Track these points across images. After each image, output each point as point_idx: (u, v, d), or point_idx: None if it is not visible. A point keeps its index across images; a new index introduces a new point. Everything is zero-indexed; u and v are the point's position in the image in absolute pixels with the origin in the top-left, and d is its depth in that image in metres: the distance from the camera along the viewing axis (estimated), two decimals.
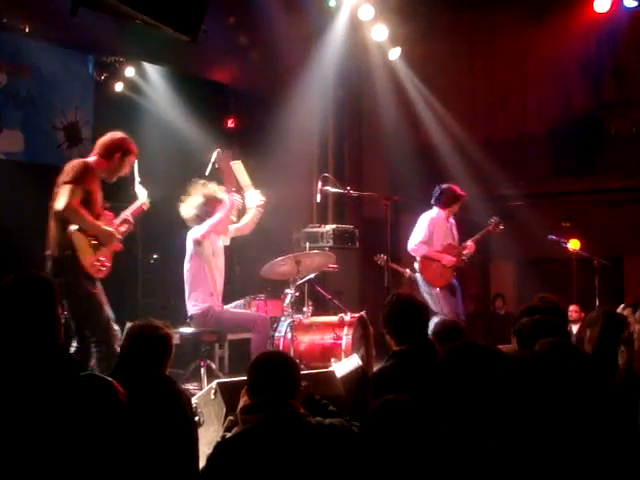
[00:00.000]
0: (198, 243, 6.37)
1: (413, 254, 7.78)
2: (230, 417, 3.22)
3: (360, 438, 2.55)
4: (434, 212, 7.86)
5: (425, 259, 7.73)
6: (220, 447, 2.91)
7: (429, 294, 7.69)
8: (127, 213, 5.62)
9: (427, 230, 7.72)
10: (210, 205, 6.46)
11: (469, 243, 7.92)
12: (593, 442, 2.65)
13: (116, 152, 5.41)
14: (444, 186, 7.90)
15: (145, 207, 5.79)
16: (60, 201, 5.06)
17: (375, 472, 2.41)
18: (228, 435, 3.06)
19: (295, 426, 2.83)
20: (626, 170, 10.39)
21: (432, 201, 7.88)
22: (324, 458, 2.80)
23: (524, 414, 2.53)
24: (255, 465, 2.73)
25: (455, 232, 7.99)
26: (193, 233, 6.41)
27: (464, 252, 7.89)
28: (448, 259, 7.75)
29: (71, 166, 5.22)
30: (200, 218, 6.45)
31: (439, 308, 7.58)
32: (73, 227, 5.11)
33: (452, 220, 7.97)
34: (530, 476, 2.34)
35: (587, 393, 2.84)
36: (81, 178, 5.13)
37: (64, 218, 5.12)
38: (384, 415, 2.49)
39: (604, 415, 2.75)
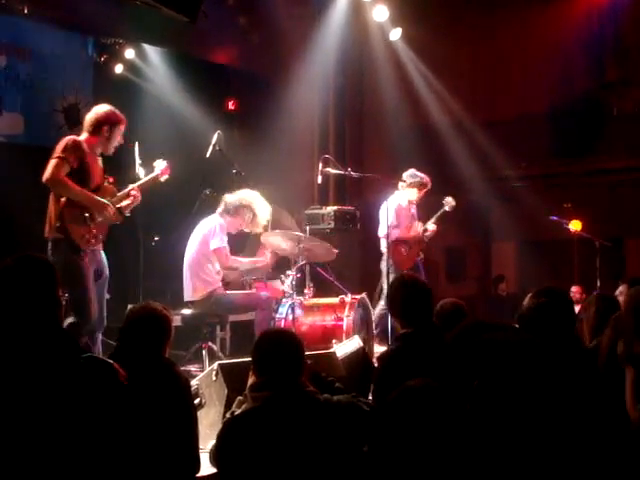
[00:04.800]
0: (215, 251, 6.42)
1: (385, 240, 7.70)
2: (239, 397, 3.23)
3: (377, 421, 2.33)
4: (399, 196, 7.94)
5: (395, 243, 7.75)
6: (230, 424, 2.93)
7: None
8: (133, 186, 5.64)
9: (395, 215, 7.79)
10: (240, 214, 6.49)
11: (432, 225, 8.03)
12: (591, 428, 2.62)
13: (103, 126, 5.49)
14: (412, 171, 7.95)
15: (162, 178, 5.83)
16: (45, 173, 5.19)
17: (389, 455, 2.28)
18: (237, 412, 3.08)
19: (303, 403, 2.85)
20: (628, 151, 10.35)
21: (400, 185, 7.93)
22: (333, 435, 2.81)
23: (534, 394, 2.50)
24: (265, 442, 2.74)
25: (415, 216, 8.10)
26: (215, 242, 6.40)
27: (427, 234, 8.02)
28: (414, 234, 7.90)
29: (61, 142, 5.32)
30: (227, 213, 6.48)
31: None
32: (62, 199, 5.20)
33: (414, 208, 8.07)
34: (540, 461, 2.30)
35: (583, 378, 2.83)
36: (68, 153, 5.22)
37: (53, 191, 5.24)
38: (406, 401, 2.15)
39: (594, 397, 2.74)
